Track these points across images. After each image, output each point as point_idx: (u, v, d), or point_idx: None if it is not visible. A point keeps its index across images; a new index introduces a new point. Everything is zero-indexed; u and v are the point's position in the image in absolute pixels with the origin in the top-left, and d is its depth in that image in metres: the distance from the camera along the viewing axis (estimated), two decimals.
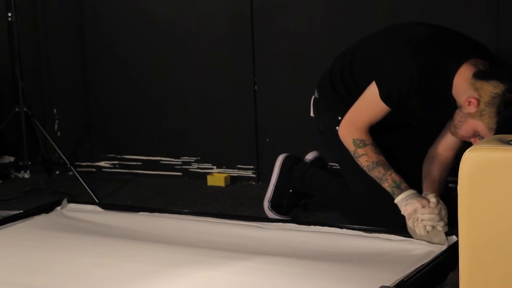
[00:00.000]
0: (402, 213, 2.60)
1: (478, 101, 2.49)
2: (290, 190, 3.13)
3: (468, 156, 1.66)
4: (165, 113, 3.94)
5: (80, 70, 4.09)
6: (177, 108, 3.90)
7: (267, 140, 3.73)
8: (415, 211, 2.56)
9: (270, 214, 3.11)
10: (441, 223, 2.54)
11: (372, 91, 2.66)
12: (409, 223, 2.58)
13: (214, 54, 3.78)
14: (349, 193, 2.88)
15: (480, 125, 2.52)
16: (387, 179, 2.65)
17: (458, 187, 1.67)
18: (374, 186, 2.73)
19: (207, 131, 3.85)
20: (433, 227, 2.55)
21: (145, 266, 2.42)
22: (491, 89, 2.47)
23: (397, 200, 2.62)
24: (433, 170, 2.76)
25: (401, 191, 2.62)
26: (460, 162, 1.67)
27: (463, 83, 2.54)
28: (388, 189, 2.65)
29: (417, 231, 2.56)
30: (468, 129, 2.57)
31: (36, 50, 4.15)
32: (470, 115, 2.53)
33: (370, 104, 2.69)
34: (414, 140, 2.92)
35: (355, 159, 2.71)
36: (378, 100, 2.65)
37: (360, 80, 2.78)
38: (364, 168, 2.70)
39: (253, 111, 3.72)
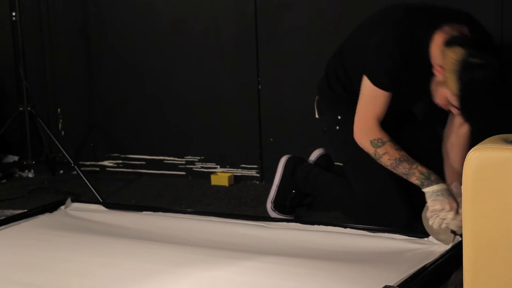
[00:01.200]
0: (427, 204, 2.56)
1: (444, 68, 2.51)
2: (293, 191, 3.13)
3: (472, 156, 1.66)
4: (169, 113, 3.94)
5: (84, 69, 4.10)
6: (181, 108, 3.90)
7: (271, 139, 3.73)
8: (442, 210, 2.53)
9: (273, 214, 3.11)
10: (461, 231, 2.53)
11: (365, 85, 2.68)
12: (428, 214, 2.56)
13: (218, 54, 3.78)
14: (353, 193, 2.88)
15: (448, 93, 2.53)
16: (414, 173, 2.60)
17: (462, 187, 1.67)
18: (377, 185, 2.73)
19: (210, 131, 3.85)
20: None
21: (149, 265, 2.42)
22: (452, 55, 2.47)
23: (427, 190, 2.57)
24: (453, 154, 2.75)
25: (432, 182, 2.57)
26: (464, 162, 1.67)
27: (436, 51, 2.56)
28: (417, 182, 2.59)
29: (430, 222, 2.54)
30: (441, 98, 2.59)
31: (40, 49, 4.16)
32: (439, 83, 2.55)
33: (369, 97, 2.69)
34: (419, 138, 2.92)
35: (377, 161, 2.66)
36: (374, 89, 2.66)
37: (353, 74, 2.80)
38: (388, 167, 2.65)
39: (257, 110, 3.72)
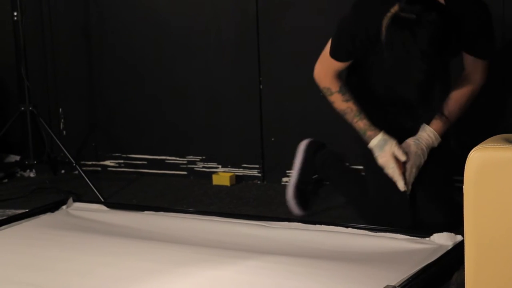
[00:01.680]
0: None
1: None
2: (315, 176, 3.10)
3: (473, 156, 1.66)
4: (171, 112, 3.94)
5: (85, 69, 4.10)
6: (182, 108, 3.90)
7: (272, 139, 3.73)
8: (388, 162, 2.66)
9: (292, 203, 3.05)
10: (400, 183, 2.65)
11: (327, 47, 2.79)
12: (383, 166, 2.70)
13: (219, 54, 3.78)
14: (362, 190, 2.86)
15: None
16: (356, 127, 2.73)
17: (463, 187, 1.67)
18: (385, 185, 2.72)
19: (212, 130, 3.85)
20: None
21: (150, 265, 2.42)
22: (388, 13, 2.46)
23: (371, 146, 2.71)
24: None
25: (370, 137, 2.70)
26: (466, 162, 1.67)
27: None
28: (361, 130, 2.74)
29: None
30: None
31: (42, 49, 4.16)
32: None
33: (326, 56, 2.79)
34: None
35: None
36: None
37: None
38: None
39: (258, 110, 3.72)
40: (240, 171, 3.79)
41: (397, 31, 2.42)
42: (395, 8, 2.44)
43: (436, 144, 2.71)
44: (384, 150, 2.68)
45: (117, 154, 4.09)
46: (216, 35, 3.76)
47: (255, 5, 3.65)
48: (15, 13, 3.80)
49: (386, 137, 2.70)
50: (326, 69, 2.78)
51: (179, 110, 3.91)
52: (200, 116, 3.86)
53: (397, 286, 2.13)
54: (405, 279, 2.19)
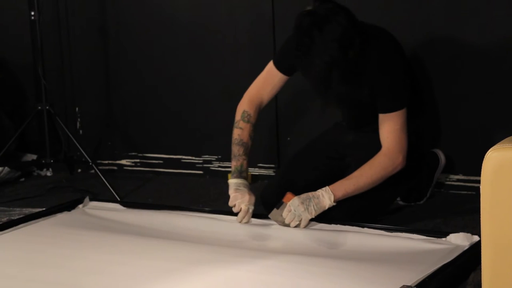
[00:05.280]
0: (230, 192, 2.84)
1: None
2: None
3: (490, 156, 1.65)
4: (186, 112, 3.94)
5: (102, 68, 4.11)
6: (198, 107, 3.91)
7: (288, 138, 3.72)
8: (242, 199, 2.81)
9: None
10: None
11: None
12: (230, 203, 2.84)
13: (235, 54, 3.78)
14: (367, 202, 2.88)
15: None
16: (238, 160, 2.86)
17: (480, 187, 1.66)
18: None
19: (228, 130, 3.83)
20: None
21: (165, 264, 2.43)
22: None
23: (230, 181, 2.85)
24: None
25: (234, 177, 2.85)
26: (483, 162, 1.66)
27: None
28: (233, 168, 2.87)
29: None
30: None
31: (59, 48, 4.18)
32: None
33: (266, 70, 2.99)
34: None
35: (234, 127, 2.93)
36: (271, 64, 2.95)
37: None
38: (232, 139, 2.91)
39: (274, 110, 3.71)
40: (256, 171, 3.79)
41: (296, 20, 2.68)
42: None
43: (326, 204, 2.75)
44: (243, 190, 2.82)
45: (133, 153, 4.10)
46: (233, 37, 3.76)
47: (271, 7, 3.64)
48: (32, 13, 3.82)
49: (241, 184, 2.83)
50: (254, 89, 2.96)
51: (195, 110, 3.92)
52: (216, 115, 3.86)
53: (413, 286, 2.12)
54: (421, 279, 2.18)
